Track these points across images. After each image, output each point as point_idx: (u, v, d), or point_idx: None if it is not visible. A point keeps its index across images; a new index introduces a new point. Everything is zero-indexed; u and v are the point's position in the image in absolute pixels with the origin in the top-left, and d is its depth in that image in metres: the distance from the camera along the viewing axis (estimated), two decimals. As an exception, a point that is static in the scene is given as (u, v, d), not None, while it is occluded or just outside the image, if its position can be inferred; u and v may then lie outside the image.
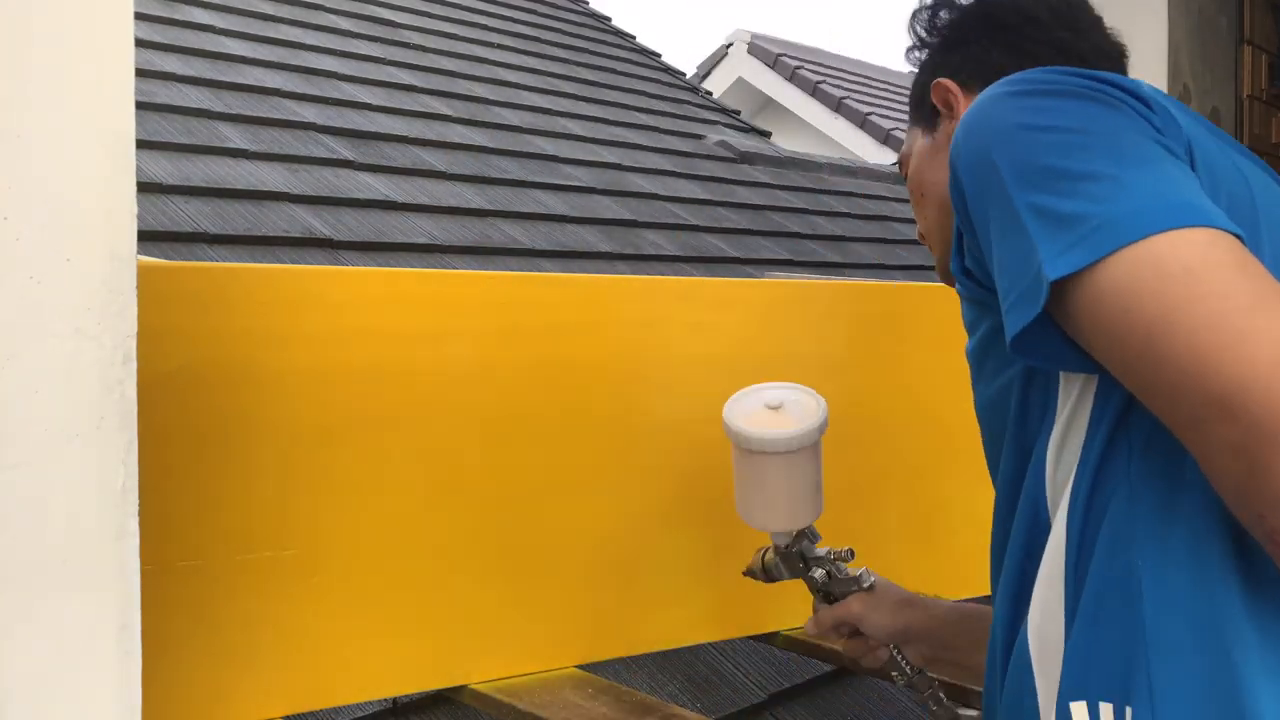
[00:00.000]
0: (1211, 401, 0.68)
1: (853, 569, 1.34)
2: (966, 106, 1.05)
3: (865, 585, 1.33)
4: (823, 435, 1.34)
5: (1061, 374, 0.88)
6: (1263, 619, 0.74)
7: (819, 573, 1.34)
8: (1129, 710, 0.76)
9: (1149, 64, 2.74)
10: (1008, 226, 0.80)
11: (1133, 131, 0.79)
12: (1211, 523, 0.76)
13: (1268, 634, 0.74)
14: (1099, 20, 1.14)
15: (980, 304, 0.95)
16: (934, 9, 1.19)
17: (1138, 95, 0.82)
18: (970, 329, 1.01)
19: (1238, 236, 0.72)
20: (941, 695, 1.33)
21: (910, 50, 1.22)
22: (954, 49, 1.16)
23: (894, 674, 1.33)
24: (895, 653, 1.31)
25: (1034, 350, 0.80)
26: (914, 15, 1.19)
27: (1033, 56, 1.06)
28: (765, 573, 1.40)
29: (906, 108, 1.25)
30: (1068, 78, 0.84)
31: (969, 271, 0.92)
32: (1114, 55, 1.13)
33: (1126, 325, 0.72)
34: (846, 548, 1.35)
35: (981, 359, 0.99)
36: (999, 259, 0.82)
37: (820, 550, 1.35)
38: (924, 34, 1.19)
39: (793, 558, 1.35)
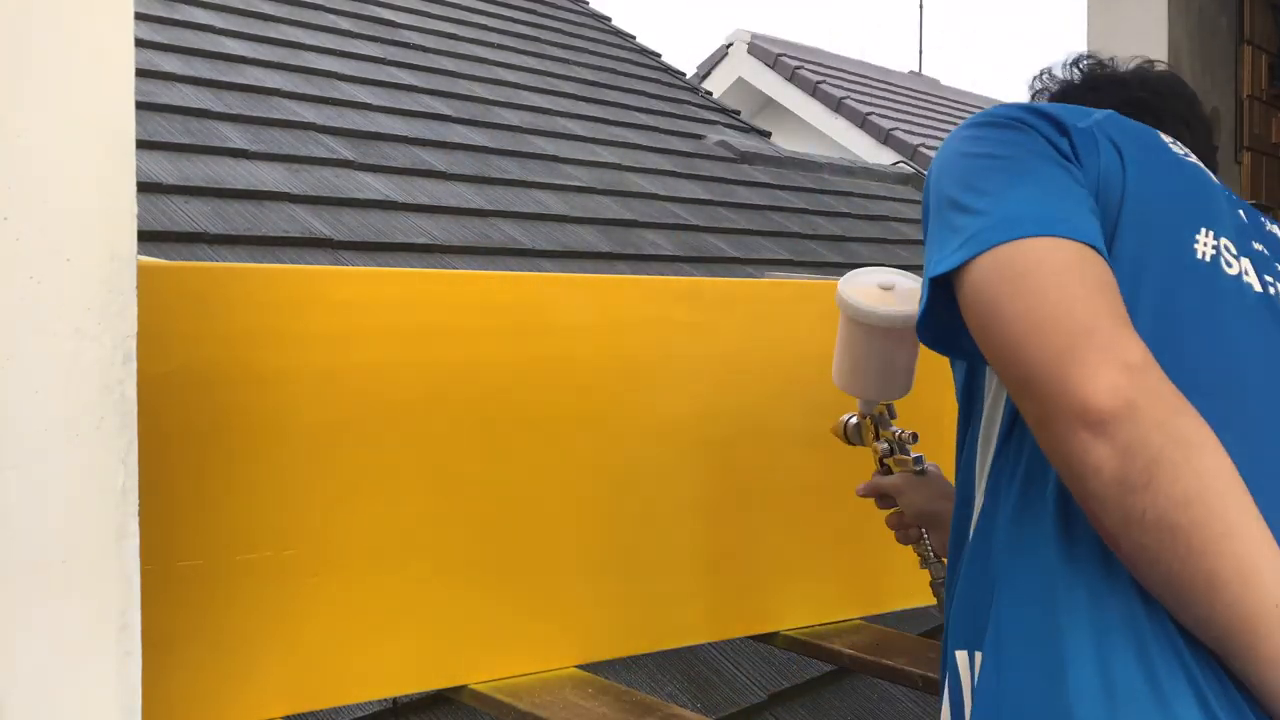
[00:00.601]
0: (1017, 381, 0.80)
1: (915, 451, 1.47)
2: None
3: (918, 469, 1.46)
4: None
5: (987, 367, 0.99)
6: (1087, 575, 0.82)
7: (883, 445, 1.48)
8: (978, 655, 0.88)
9: (1149, 64, 2.73)
10: (928, 235, 0.94)
11: (1031, 153, 0.90)
12: (1047, 490, 0.86)
13: (1092, 589, 0.82)
14: (1194, 97, 1.24)
15: None
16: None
17: (1059, 121, 0.93)
18: None
19: (1091, 245, 0.83)
20: None
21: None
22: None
23: (919, 555, 1.45)
24: (923, 535, 1.44)
25: (940, 342, 0.92)
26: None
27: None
28: (844, 434, 1.54)
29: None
30: (1012, 109, 0.96)
31: None
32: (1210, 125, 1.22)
33: (976, 318, 0.84)
34: (911, 431, 1.48)
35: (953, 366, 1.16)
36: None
37: (892, 427, 1.49)
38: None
39: (866, 426, 1.50)
